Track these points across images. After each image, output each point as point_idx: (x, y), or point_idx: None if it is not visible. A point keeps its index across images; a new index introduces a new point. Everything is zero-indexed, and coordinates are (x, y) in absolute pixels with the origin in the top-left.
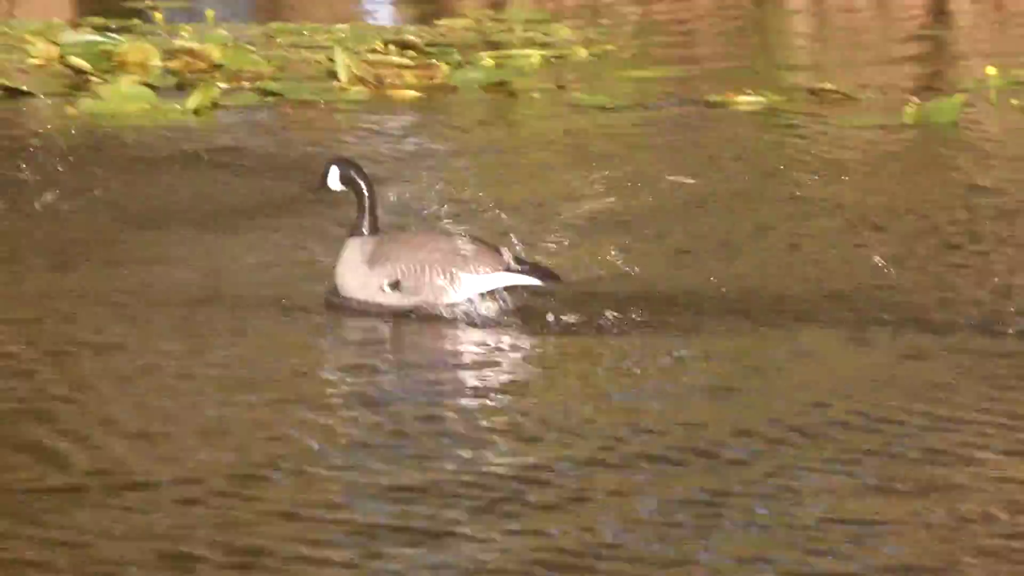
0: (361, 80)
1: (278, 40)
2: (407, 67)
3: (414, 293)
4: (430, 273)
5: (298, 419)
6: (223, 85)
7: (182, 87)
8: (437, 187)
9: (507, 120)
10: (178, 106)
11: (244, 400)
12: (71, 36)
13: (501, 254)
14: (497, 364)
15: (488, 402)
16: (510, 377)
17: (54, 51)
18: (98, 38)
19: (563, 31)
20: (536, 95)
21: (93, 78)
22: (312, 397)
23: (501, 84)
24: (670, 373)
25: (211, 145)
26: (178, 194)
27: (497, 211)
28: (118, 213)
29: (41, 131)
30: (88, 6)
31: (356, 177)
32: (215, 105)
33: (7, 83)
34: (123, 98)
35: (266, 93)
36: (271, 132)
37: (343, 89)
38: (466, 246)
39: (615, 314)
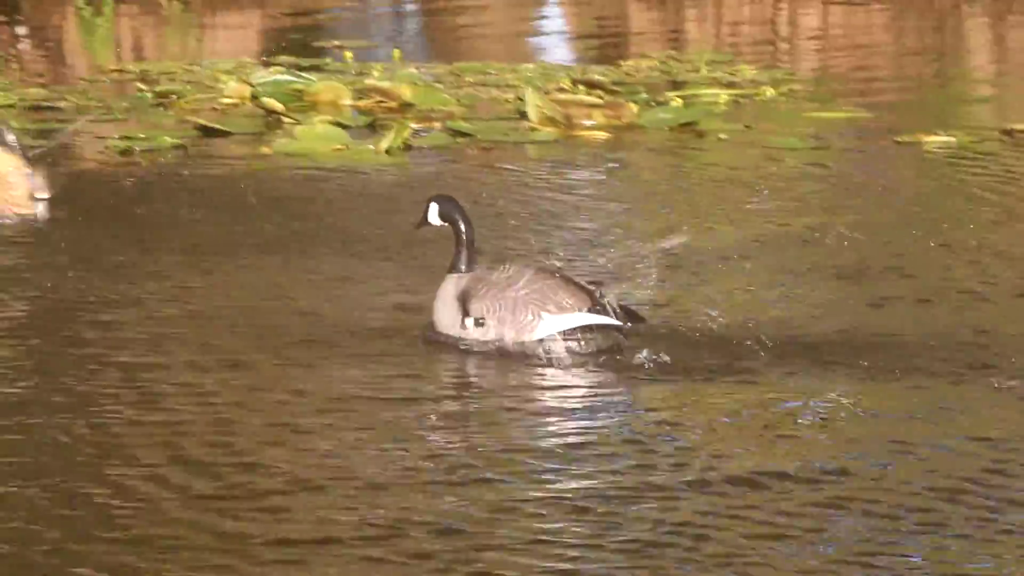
0: (550, 120)
1: (466, 79)
2: (596, 107)
3: (498, 330)
4: (513, 310)
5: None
6: (414, 125)
7: (373, 126)
8: (605, 227)
9: (695, 160)
10: (371, 146)
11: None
12: (263, 75)
13: (587, 294)
14: (627, 408)
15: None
16: (655, 419)
17: (246, 90)
18: (290, 77)
19: (748, 71)
20: (724, 135)
21: (285, 118)
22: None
23: (689, 124)
24: (829, 421)
25: (398, 185)
26: (352, 231)
27: (662, 251)
28: (298, 252)
29: (237, 170)
30: (274, 45)
31: (454, 214)
32: (407, 145)
33: (203, 122)
34: (316, 138)
35: (457, 133)
36: (459, 172)
37: (533, 129)
38: (550, 285)
39: (769, 357)
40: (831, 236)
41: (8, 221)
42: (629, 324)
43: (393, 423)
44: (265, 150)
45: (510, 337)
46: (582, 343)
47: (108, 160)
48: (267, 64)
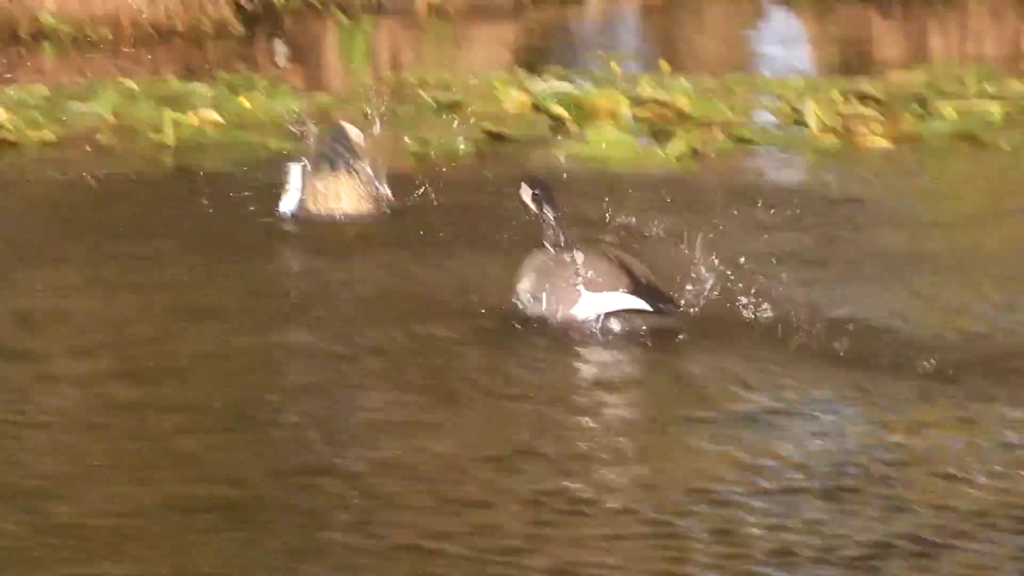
0: (830, 129)
1: (735, 90)
2: (873, 118)
3: (546, 305)
4: (559, 287)
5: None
6: (701, 133)
7: (654, 135)
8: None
9: (977, 171)
10: (661, 152)
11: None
12: (541, 85)
13: (629, 277)
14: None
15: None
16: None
17: (526, 99)
18: (569, 87)
19: (1017, 85)
20: (1006, 147)
21: (571, 125)
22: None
23: (968, 136)
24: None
25: (683, 188)
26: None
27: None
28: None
29: (527, 171)
30: (532, 56)
31: (542, 194)
32: (694, 152)
33: (492, 128)
34: (608, 143)
35: (741, 141)
36: (743, 177)
37: (814, 138)
38: (599, 267)
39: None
40: None
41: (348, 218)
42: (663, 308)
43: None
44: (556, 154)
45: (556, 311)
46: (625, 322)
47: (405, 164)
48: (541, 74)
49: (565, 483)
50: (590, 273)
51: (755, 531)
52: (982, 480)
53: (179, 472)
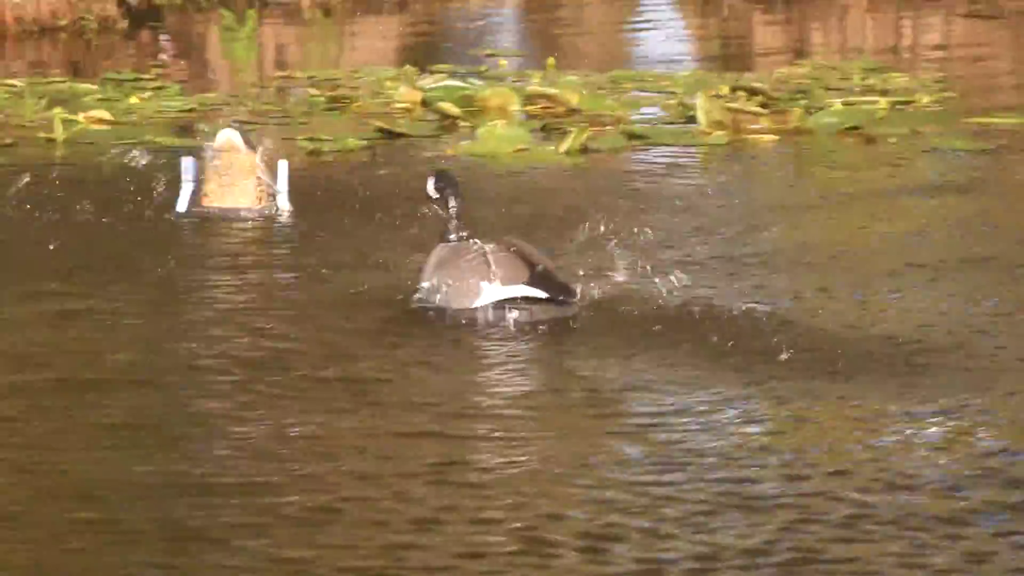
0: (720, 124)
1: (624, 85)
2: (762, 113)
3: (446, 296)
4: (458, 279)
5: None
6: (591, 128)
7: (545, 130)
8: (748, 230)
9: (866, 164)
10: (552, 148)
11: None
12: (430, 82)
13: (528, 267)
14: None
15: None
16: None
17: (417, 95)
18: (458, 83)
19: (900, 79)
20: (893, 140)
21: (460, 122)
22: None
23: (855, 129)
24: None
25: (575, 183)
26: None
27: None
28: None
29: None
30: (419, 53)
31: (447, 188)
32: (585, 148)
33: (383, 125)
34: (500, 139)
35: (631, 136)
36: (633, 172)
37: (704, 133)
38: (497, 258)
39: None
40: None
41: (248, 216)
42: (561, 298)
43: None
44: (449, 151)
45: (455, 303)
46: (524, 313)
47: (300, 160)
48: (431, 71)
49: (450, 491)
50: (492, 264)
51: (630, 539)
52: (860, 482)
53: (67, 488)
